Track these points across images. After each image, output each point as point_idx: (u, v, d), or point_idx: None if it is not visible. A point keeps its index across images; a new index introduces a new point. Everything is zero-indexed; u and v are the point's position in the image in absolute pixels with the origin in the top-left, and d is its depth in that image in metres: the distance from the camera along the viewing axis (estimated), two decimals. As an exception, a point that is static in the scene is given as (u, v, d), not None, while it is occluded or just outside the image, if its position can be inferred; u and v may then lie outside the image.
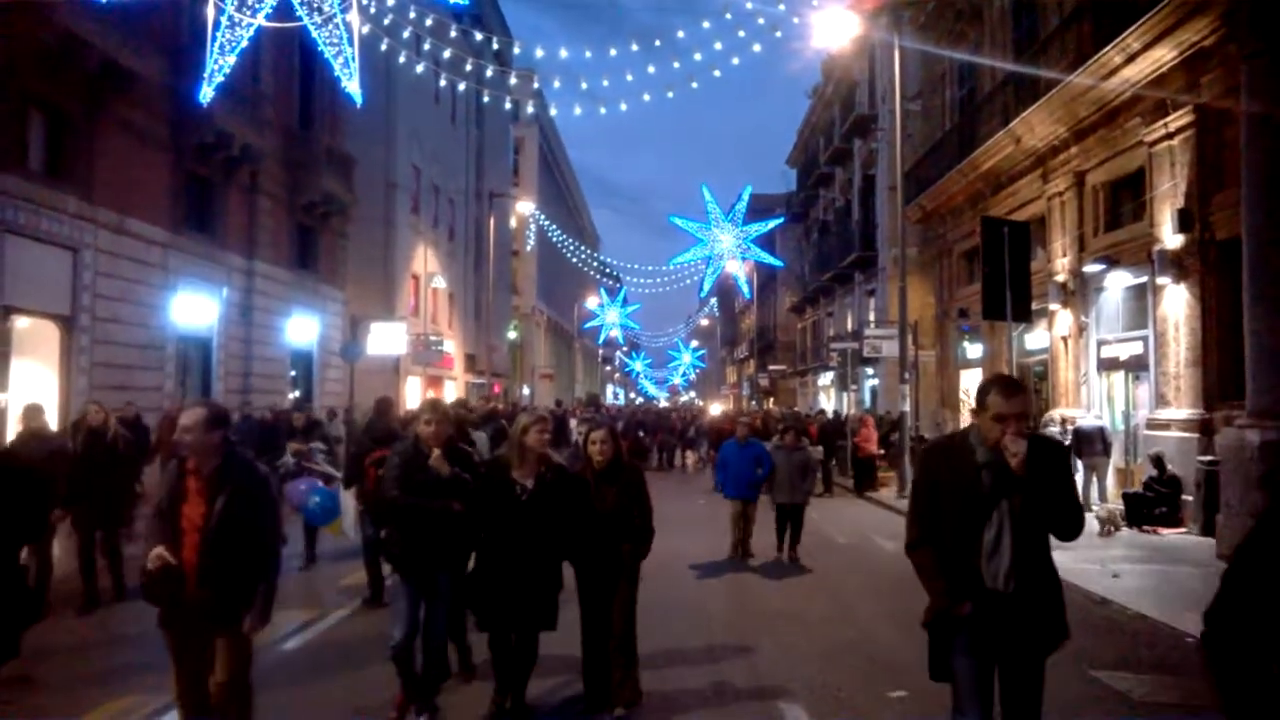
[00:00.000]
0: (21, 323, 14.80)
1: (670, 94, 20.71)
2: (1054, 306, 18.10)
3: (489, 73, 23.54)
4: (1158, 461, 14.02)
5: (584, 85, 22.83)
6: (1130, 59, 14.40)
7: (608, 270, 66.09)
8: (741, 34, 19.08)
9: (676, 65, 21.25)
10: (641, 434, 26.73)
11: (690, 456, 29.84)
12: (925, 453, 4.49)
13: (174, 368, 18.45)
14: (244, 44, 17.22)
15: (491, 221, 40.31)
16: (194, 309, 19.25)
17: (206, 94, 17.12)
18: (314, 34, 18.02)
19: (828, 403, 39.89)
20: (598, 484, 5.81)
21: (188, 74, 17.54)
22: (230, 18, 16.76)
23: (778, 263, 48.47)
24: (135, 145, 17.18)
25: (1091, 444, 15.67)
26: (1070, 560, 11.51)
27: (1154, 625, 8.47)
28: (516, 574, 5.45)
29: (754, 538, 12.12)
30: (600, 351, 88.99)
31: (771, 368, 53.75)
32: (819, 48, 27.86)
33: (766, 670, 7.13)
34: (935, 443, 5.25)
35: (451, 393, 36.27)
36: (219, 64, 16.98)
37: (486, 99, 28.33)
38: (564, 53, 19.61)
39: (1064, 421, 16.81)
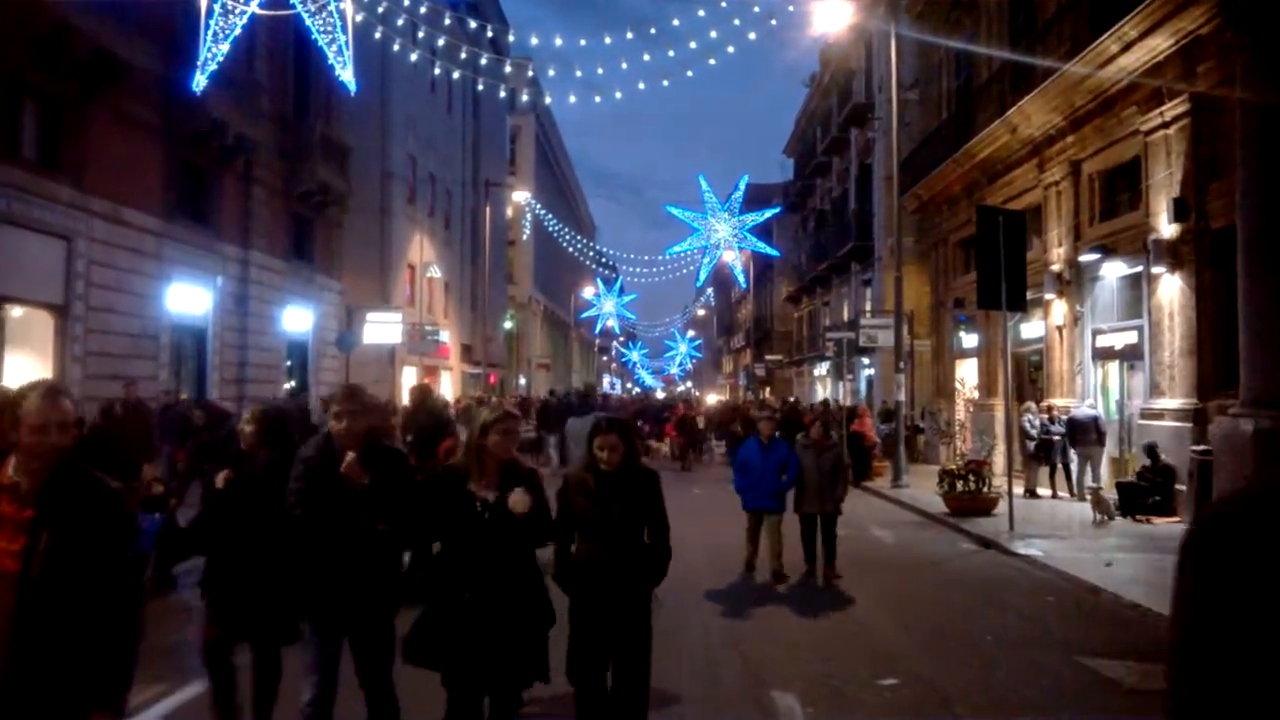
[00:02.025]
0: (15, 312, 14.76)
1: (665, 82, 20.78)
2: (1049, 296, 18.11)
3: (484, 61, 23.50)
4: (1151, 451, 14.05)
5: (579, 73, 22.75)
6: (1126, 48, 14.39)
7: (604, 260, 66.07)
8: (736, 22, 19.09)
9: (672, 53, 21.25)
10: (642, 424, 26.59)
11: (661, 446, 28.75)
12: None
13: (169, 358, 18.40)
14: (237, 32, 17.16)
15: (488, 211, 40.25)
16: (189, 298, 19.21)
17: (200, 82, 17.05)
18: (307, 22, 17.96)
19: (824, 392, 39.93)
20: (601, 493, 4.69)
21: (181, 62, 17.46)
22: (224, 5, 16.71)
23: (774, 252, 48.44)
24: (129, 134, 17.11)
25: (1086, 433, 15.72)
26: (1064, 549, 11.57)
27: (1146, 614, 8.50)
28: (484, 614, 4.19)
29: (783, 554, 10.14)
30: (597, 341, 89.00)
31: (768, 358, 53.75)
32: (816, 35, 27.83)
33: (759, 659, 7.16)
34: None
35: (447, 383, 36.28)
36: (212, 52, 16.92)
37: (482, 87, 28.26)
38: (559, 40, 19.61)
39: (1051, 410, 16.86)
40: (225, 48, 17.02)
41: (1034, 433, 16.75)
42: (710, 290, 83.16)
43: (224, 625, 4.85)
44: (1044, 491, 16.90)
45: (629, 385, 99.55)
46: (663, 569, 4.89)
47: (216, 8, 16.66)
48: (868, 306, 30.69)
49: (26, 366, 15.03)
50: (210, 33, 16.76)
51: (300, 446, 4.75)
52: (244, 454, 4.99)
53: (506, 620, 4.23)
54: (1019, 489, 16.38)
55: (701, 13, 19.54)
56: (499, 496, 4.29)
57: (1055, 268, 17.95)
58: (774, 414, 13.15)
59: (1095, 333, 17.12)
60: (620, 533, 4.72)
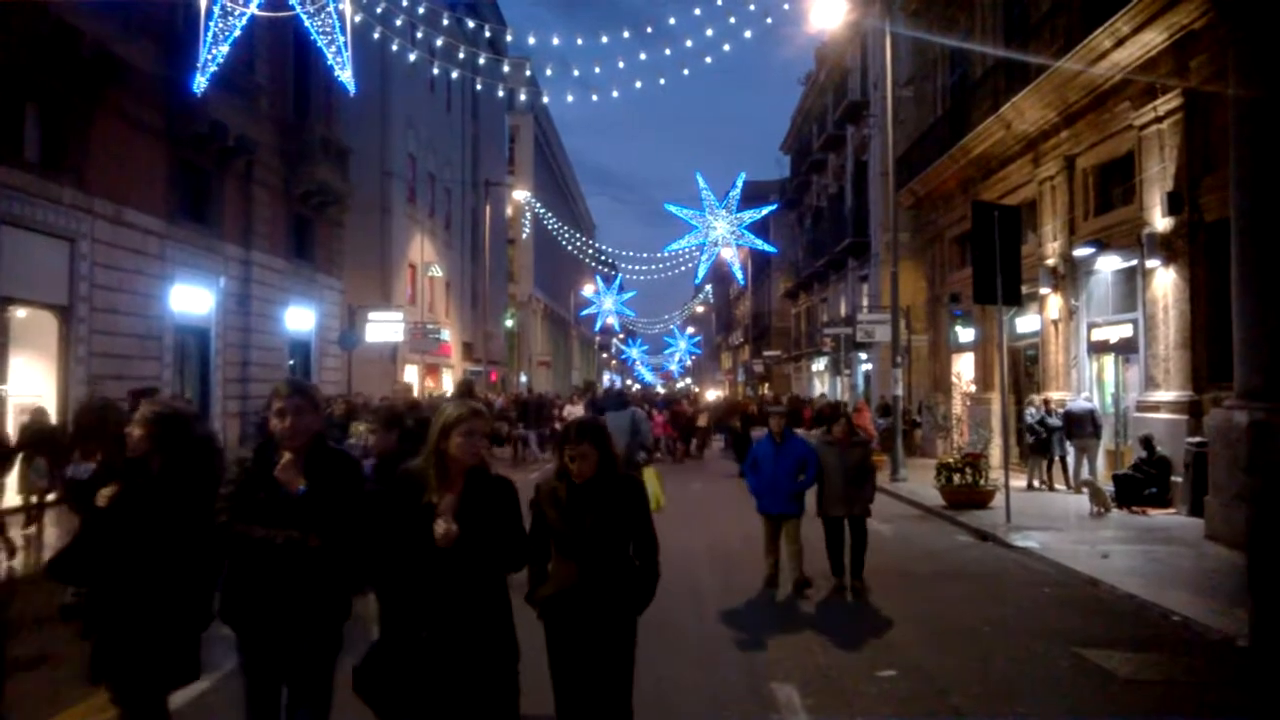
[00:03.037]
0: (19, 313, 14.85)
1: (662, 81, 20.85)
2: (1045, 290, 18.23)
3: (482, 60, 23.59)
4: (1147, 443, 14.17)
5: (576, 73, 22.84)
6: (1120, 43, 14.49)
7: (604, 258, 66.07)
8: (733, 20, 19.17)
9: (668, 52, 21.30)
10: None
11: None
12: None
13: (172, 358, 18.50)
14: (237, 34, 17.23)
15: (488, 210, 40.36)
16: (191, 299, 19.32)
17: (201, 84, 17.13)
18: (306, 23, 18.02)
19: (822, 387, 40.05)
20: (572, 504, 4.17)
21: (182, 64, 17.54)
22: (223, 7, 16.77)
23: (771, 249, 48.52)
24: (131, 136, 17.21)
25: (1082, 426, 15.84)
26: (1061, 541, 11.69)
27: (1141, 605, 8.62)
28: (442, 646, 3.62)
29: (805, 562, 9.40)
30: (597, 339, 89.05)
31: (766, 353, 53.87)
32: (811, 33, 27.94)
33: (758, 651, 7.27)
34: None
35: (450, 382, 36.39)
36: (213, 54, 16.99)
37: (480, 87, 28.34)
38: (556, 40, 19.75)
39: (1046, 403, 16.99)
40: (225, 49, 17.09)
41: (1035, 425, 16.89)
42: (709, 287, 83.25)
43: (106, 672, 3.97)
44: (1034, 483, 17.04)
45: (629, 382, 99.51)
46: (649, 592, 4.32)
47: (216, 9, 16.71)
48: (865, 302, 30.84)
49: (31, 368, 15.15)
50: (210, 34, 16.82)
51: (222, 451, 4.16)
52: (134, 463, 4.11)
53: (459, 654, 3.61)
54: (1023, 482, 16.52)
55: (698, 11, 19.64)
56: (462, 507, 3.68)
57: (1050, 262, 18.06)
58: (783, 409, 11.89)
59: (1090, 326, 17.24)
60: (598, 549, 4.17)
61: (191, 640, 3.99)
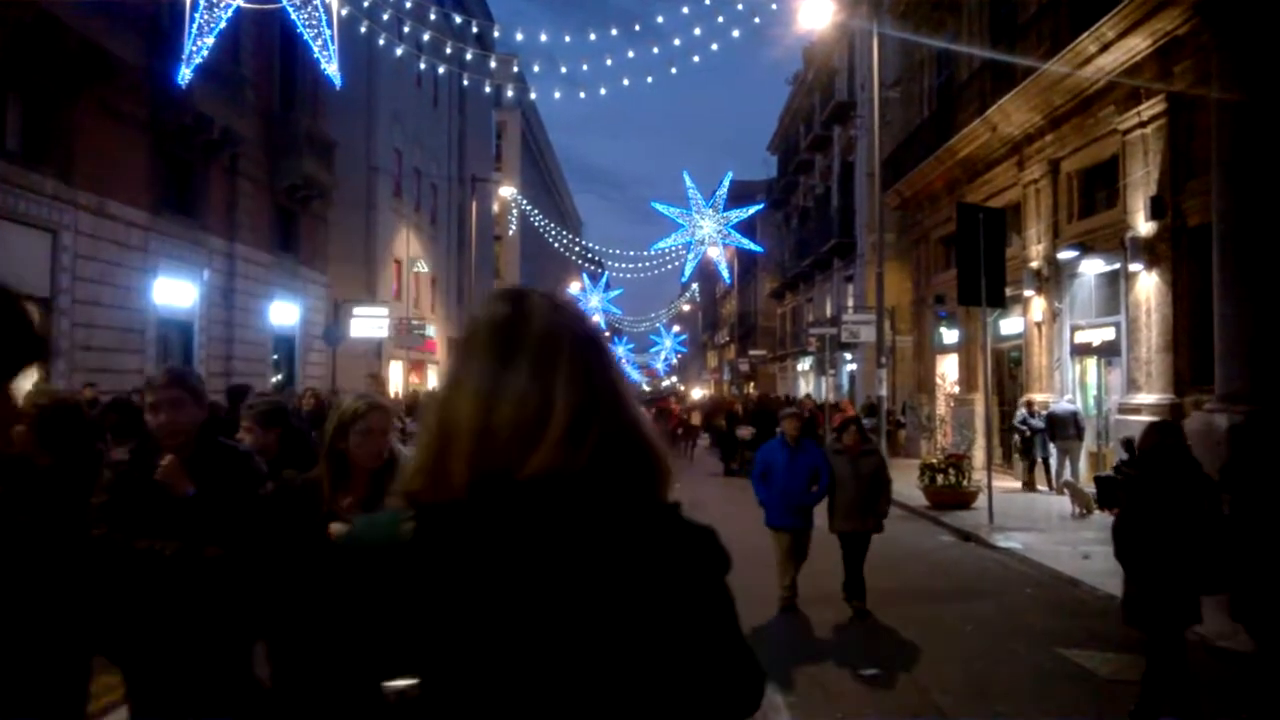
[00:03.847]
0: None
1: (650, 79, 20.85)
2: (1028, 292, 18.32)
3: (469, 56, 23.53)
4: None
5: (564, 70, 22.83)
6: (1105, 47, 14.57)
7: (590, 255, 66.02)
8: (721, 19, 19.18)
9: (656, 50, 21.31)
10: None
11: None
12: None
13: (155, 351, 18.37)
14: (222, 26, 17.14)
15: (474, 206, 40.27)
16: (175, 292, 19.19)
17: (185, 76, 17.03)
18: (292, 16, 17.93)
19: (807, 387, 40.14)
20: None
21: (167, 56, 17.42)
22: (209, -1, 16.69)
23: (758, 249, 48.62)
24: (114, 127, 17.08)
25: (1065, 428, 15.94)
26: (1043, 542, 11.77)
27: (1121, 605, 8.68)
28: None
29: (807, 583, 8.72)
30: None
31: (752, 353, 53.94)
32: (799, 33, 27.98)
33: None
34: None
35: (434, 379, 36.29)
36: (197, 46, 16.89)
37: (467, 83, 28.27)
38: (544, 36, 19.68)
39: (1030, 405, 17.08)
40: (210, 41, 16.99)
41: (1018, 426, 16.98)
42: (695, 286, 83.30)
43: None
44: (1014, 484, 17.13)
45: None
46: None
47: (201, 1, 16.63)
48: (850, 302, 30.91)
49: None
50: (195, 26, 16.72)
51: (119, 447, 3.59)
52: (16, 461, 3.57)
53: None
54: (1005, 483, 16.61)
55: (686, 10, 19.65)
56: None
57: (1034, 264, 18.16)
58: (799, 411, 10.61)
59: (1074, 329, 17.34)
60: None
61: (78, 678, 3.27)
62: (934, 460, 16.43)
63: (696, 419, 29.80)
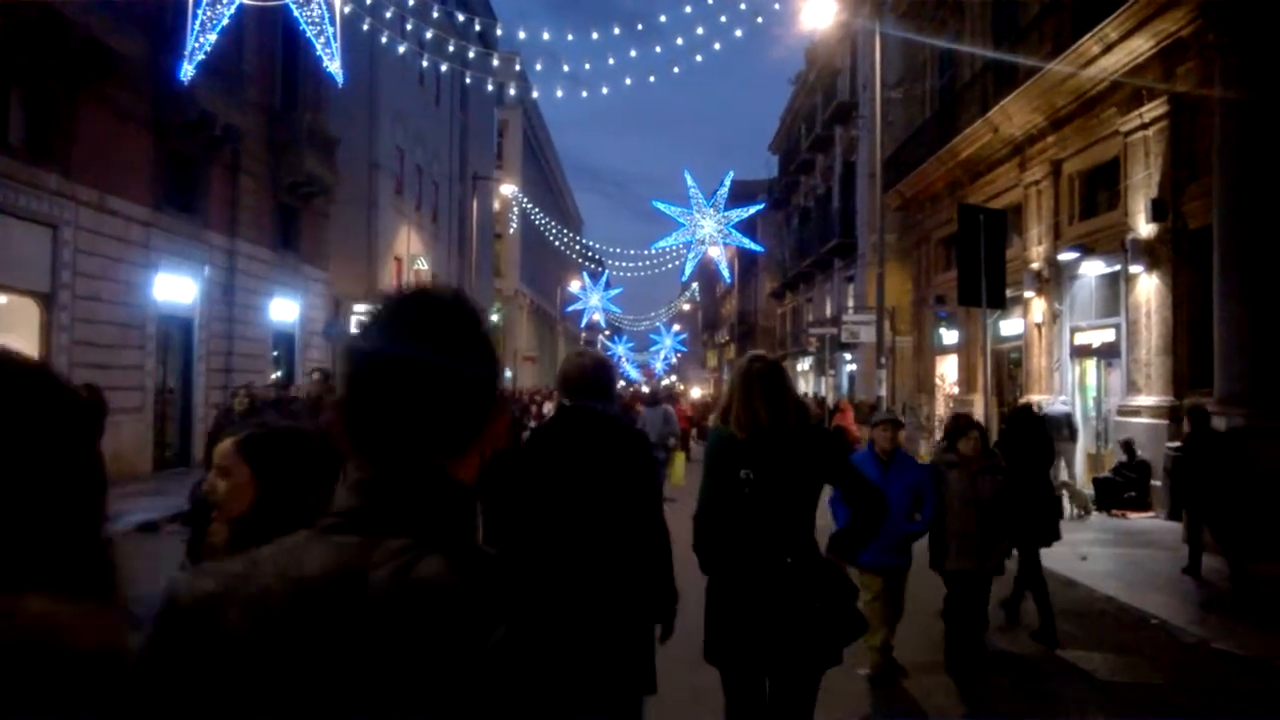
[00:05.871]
0: (0, 300, 14.76)
1: (652, 78, 20.85)
2: (1029, 294, 18.32)
3: (472, 54, 23.54)
4: (1127, 447, 14.27)
5: (566, 68, 22.86)
6: (1108, 49, 14.57)
7: (590, 254, 66.03)
8: (723, 19, 19.19)
9: (659, 50, 21.38)
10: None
11: None
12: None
13: (155, 347, 18.40)
14: (225, 22, 17.15)
15: (475, 204, 40.27)
16: (175, 288, 19.20)
17: (188, 72, 17.05)
18: (295, 13, 17.95)
19: (806, 387, 40.16)
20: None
21: (169, 52, 17.44)
22: (212, -5, 16.70)
23: (758, 248, 48.61)
24: (116, 123, 17.09)
25: (1058, 429, 15.90)
26: (1040, 542, 11.75)
27: (1120, 607, 8.69)
28: None
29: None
30: (583, 335, 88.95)
31: (751, 353, 53.97)
32: (802, 33, 27.98)
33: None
34: None
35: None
36: (200, 42, 16.91)
37: (470, 81, 28.29)
38: (547, 35, 19.68)
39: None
40: (213, 38, 17.01)
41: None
42: (695, 285, 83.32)
43: None
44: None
45: (623, 382, 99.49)
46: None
47: (204, -3, 16.65)
48: (850, 302, 30.93)
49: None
50: (198, 22, 16.74)
51: None
52: None
53: None
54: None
55: (688, 9, 19.67)
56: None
57: (1035, 266, 18.16)
58: (893, 418, 7.28)
59: (1074, 330, 17.35)
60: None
61: None
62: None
63: (713, 421, 29.67)
